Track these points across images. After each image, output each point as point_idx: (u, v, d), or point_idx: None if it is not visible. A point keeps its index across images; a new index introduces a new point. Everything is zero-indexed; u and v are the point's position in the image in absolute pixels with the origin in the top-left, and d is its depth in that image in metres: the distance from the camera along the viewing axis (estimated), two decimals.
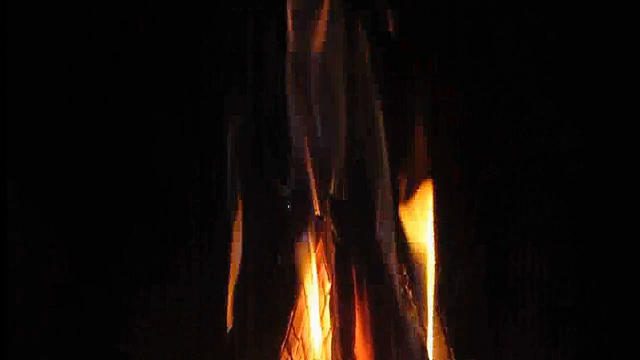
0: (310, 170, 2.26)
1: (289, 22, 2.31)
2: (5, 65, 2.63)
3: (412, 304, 2.22)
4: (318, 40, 2.30)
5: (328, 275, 2.22)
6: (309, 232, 2.25)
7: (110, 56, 2.70)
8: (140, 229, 2.66)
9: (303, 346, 2.22)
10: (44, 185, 2.66)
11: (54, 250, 2.65)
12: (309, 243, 2.24)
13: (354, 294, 2.18)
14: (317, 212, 2.26)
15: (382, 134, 2.25)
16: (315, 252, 2.24)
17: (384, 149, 2.25)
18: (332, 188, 2.25)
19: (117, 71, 2.69)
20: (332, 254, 2.20)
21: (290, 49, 2.30)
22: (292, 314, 2.23)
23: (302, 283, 2.23)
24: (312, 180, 2.26)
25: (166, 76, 2.68)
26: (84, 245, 2.67)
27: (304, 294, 2.23)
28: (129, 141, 2.68)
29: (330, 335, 2.20)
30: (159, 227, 2.66)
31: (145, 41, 2.70)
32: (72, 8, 2.68)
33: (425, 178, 2.29)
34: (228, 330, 2.29)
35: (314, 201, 2.27)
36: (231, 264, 2.30)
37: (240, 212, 2.32)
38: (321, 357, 2.22)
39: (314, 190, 2.26)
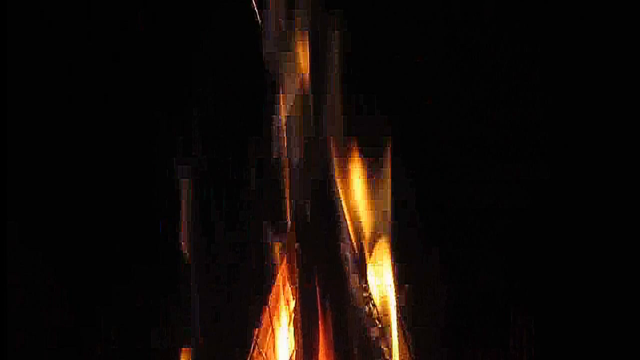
0: (287, 188, 2.27)
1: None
2: (6, 65, 2.67)
3: (377, 322, 2.22)
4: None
5: (292, 293, 2.23)
6: (276, 250, 2.26)
7: (110, 56, 2.73)
8: (139, 270, 2.65)
9: None
10: (44, 227, 2.67)
11: (54, 293, 2.67)
12: (275, 260, 2.25)
13: (318, 312, 2.18)
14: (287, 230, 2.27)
15: (346, 153, 2.25)
16: (280, 270, 2.24)
17: (348, 168, 2.24)
18: (297, 208, 2.24)
19: (117, 71, 2.71)
20: (297, 272, 2.21)
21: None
22: (256, 331, 2.24)
23: (267, 300, 2.25)
24: (287, 199, 2.26)
25: (166, 76, 2.69)
26: (84, 288, 2.66)
27: (269, 311, 2.24)
28: (131, 185, 2.68)
29: (295, 353, 2.21)
30: (159, 269, 2.65)
31: (145, 41, 2.71)
32: (72, 8, 2.70)
33: (386, 196, 2.27)
34: (195, 346, 2.31)
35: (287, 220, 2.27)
36: (197, 278, 2.32)
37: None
38: None
39: (288, 209, 2.26)
